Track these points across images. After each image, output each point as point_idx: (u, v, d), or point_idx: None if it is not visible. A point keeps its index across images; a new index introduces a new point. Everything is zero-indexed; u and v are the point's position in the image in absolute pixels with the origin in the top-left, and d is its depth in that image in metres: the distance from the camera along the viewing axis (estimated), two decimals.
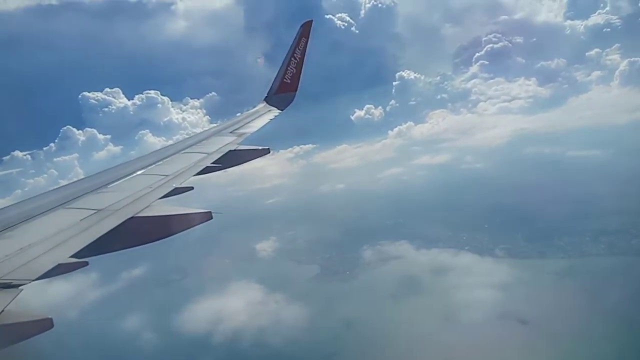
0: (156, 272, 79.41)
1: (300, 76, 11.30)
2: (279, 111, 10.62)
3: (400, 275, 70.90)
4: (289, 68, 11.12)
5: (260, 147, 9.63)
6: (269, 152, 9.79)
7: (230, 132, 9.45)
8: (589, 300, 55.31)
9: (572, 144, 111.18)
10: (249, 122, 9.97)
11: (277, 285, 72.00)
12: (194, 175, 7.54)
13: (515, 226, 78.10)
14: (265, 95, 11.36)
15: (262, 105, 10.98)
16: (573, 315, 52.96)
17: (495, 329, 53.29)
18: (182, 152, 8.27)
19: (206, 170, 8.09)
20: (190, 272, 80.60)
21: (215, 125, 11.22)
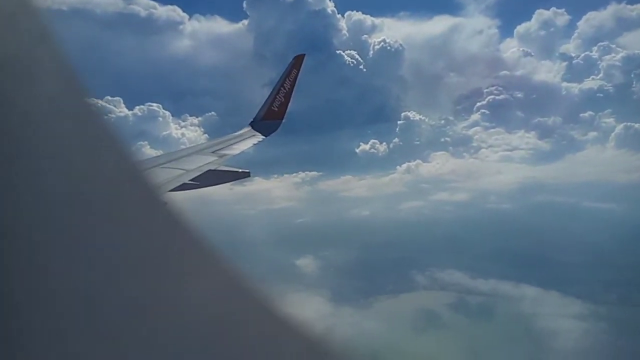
0: None
1: (288, 106, 11.63)
2: (263, 137, 10.85)
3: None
4: (277, 96, 11.47)
5: (240, 170, 9.77)
6: (249, 176, 9.94)
7: (212, 152, 9.60)
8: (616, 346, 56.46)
9: (583, 195, 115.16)
10: (232, 144, 10.16)
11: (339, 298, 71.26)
12: (169, 190, 7.60)
13: (528, 268, 79.24)
14: (252, 120, 11.62)
15: (247, 129, 11.22)
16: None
17: None
18: (161, 166, 8.37)
19: (183, 187, 8.16)
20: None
21: (200, 143, 11.34)
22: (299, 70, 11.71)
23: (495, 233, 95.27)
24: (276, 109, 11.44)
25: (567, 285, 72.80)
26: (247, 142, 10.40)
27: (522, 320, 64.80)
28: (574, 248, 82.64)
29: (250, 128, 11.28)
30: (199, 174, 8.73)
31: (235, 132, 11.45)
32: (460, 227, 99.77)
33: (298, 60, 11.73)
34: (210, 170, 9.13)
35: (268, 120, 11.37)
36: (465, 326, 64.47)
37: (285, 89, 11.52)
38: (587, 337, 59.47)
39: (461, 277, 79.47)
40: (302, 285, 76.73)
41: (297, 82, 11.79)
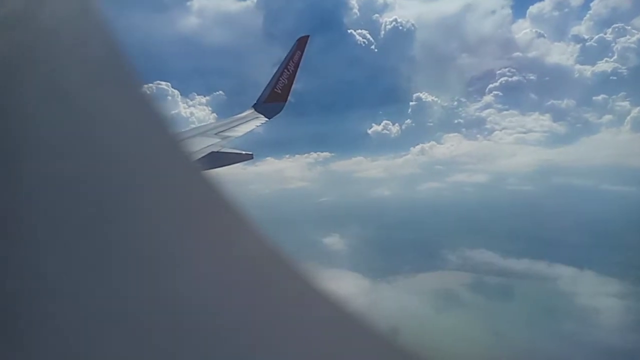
0: None
1: (292, 88, 11.61)
2: (266, 119, 10.88)
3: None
4: (280, 79, 11.44)
5: (243, 152, 9.85)
6: (252, 158, 10.02)
7: (215, 134, 9.68)
8: None
9: (600, 179, 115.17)
10: (234, 126, 10.22)
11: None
12: None
13: (558, 248, 78.75)
14: (255, 102, 11.63)
15: (250, 111, 11.25)
16: None
17: None
18: None
19: None
20: None
21: (204, 124, 11.44)
22: (302, 52, 11.66)
23: (520, 214, 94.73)
24: (279, 92, 11.43)
25: (599, 266, 72.23)
26: (250, 124, 10.46)
27: (564, 297, 64.76)
28: (600, 230, 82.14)
29: (253, 110, 11.31)
30: (201, 156, 8.81)
31: (239, 113, 11.49)
32: (484, 207, 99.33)
33: (302, 42, 11.67)
34: (213, 152, 9.21)
35: (271, 103, 11.38)
36: (505, 305, 64.07)
37: (288, 71, 11.50)
38: (630, 314, 59.22)
39: (492, 257, 78.51)
40: (332, 262, 76.54)
41: (301, 63, 11.75)
